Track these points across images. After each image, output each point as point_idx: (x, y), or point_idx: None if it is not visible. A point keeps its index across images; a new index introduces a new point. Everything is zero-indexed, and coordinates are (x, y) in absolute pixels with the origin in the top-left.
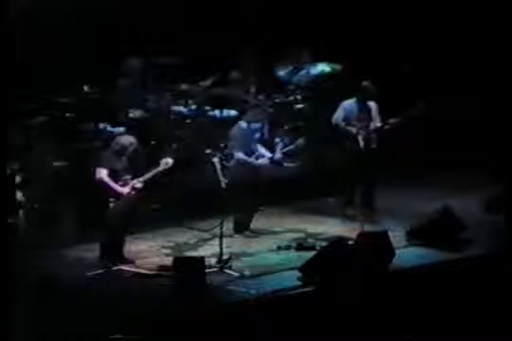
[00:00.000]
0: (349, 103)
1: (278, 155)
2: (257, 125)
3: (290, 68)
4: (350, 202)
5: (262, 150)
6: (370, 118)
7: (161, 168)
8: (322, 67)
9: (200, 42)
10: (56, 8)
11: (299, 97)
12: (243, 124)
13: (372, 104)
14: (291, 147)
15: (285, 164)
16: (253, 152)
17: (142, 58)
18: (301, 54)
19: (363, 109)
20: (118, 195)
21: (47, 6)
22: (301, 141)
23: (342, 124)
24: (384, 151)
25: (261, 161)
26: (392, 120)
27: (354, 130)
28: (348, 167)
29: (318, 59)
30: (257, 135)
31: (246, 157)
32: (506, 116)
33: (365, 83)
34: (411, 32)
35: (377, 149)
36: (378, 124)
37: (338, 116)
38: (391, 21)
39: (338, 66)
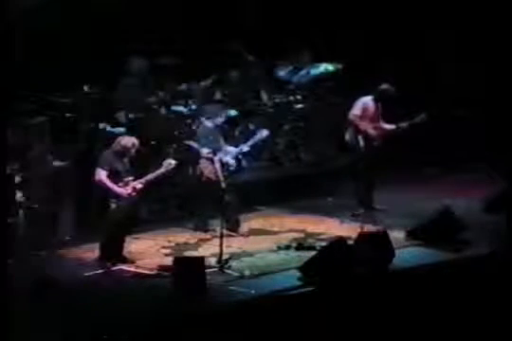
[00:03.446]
0: (367, 100)
1: (245, 148)
2: (219, 121)
3: (290, 68)
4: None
5: (228, 147)
6: (379, 119)
7: (164, 169)
8: (325, 67)
9: (200, 42)
10: (56, 8)
11: (299, 97)
12: (207, 123)
13: (379, 106)
14: (255, 138)
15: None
16: (219, 150)
17: (142, 58)
18: (301, 54)
19: (378, 109)
20: (117, 196)
21: (47, 5)
22: (265, 132)
23: (358, 121)
24: (384, 151)
25: (221, 157)
26: (404, 125)
27: (369, 128)
28: (350, 166)
29: (318, 59)
30: (221, 132)
31: (205, 152)
32: (507, 117)
33: (385, 86)
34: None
35: (379, 149)
36: (391, 126)
37: (355, 111)
38: (394, 20)
39: (340, 66)
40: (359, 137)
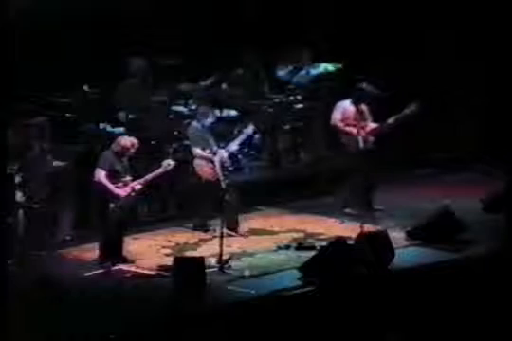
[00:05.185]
0: (346, 103)
1: (233, 147)
2: (207, 122)
3: (290, 68)
4: (349, 202)
5: (218, 147)
6: (365, 119)
7: (163, 169)
8: (325, 67)
9: (200, 42)
10: (56, 8)
11: (299, 97)
12: (195, 124)
13: (363, 106)
14: (242, 136)
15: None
16: (210, 149)
17: (142, 58)
18: (301, 54)
19: (359, 110)
20: (116, 197)
21: (48, 5)
22: (251, 128)
23: (341, 125)
24: (383, 151)
25: (218, 156)
26: (390, 121)
27: (354, 130)
28: (347, 167)
29: (318, 59)
30: (211, 132)
31: (203, 152)
32: (506, 116)
33: (364, 85)
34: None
35: (375, 149)
36: (374, 125)
37: (336, 116)
38: (386, 21)
39: (340, 66)
40: (359, 138)
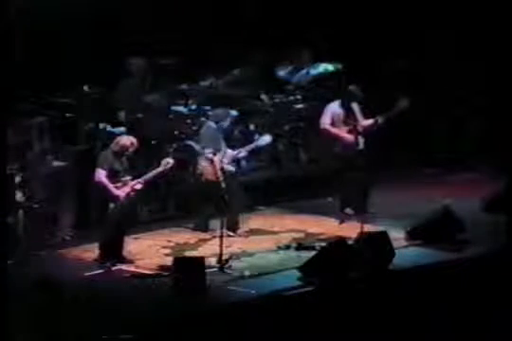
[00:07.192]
0: (334, 106)
1: (242, 154)
2: (224, 124)
3: (290, 68)
4: (348, 202)
5: (227, 149)
6: (356, 120)
7: (162, 168)
8: (325, 67)
9: (200, 41)
10: (56, 8)
11: (299, 97)
12: (211, 124)
13: (354, 105)
14: (256, 144)
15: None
16: (219, 151)
17: (142, 58)
18: (301, 54)
19: (348, 111)
20: (115, 198)
21: (48, 5)
22: (268, 139)
23: (331, 128)
24: (382, 151)
25: (218, 156)
26: (379, 119)
27: (344, 133)
28: (340, 169)
29: (318, 59)
30: (224, 135)
31: (206, 152)
32: (507, 116)
33: (352, 87)
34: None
35: (365, 150)
36: (368, 122)
37: (325, 120)
38: (386, 21)
39: (340, 66)
40: (359, 138)
